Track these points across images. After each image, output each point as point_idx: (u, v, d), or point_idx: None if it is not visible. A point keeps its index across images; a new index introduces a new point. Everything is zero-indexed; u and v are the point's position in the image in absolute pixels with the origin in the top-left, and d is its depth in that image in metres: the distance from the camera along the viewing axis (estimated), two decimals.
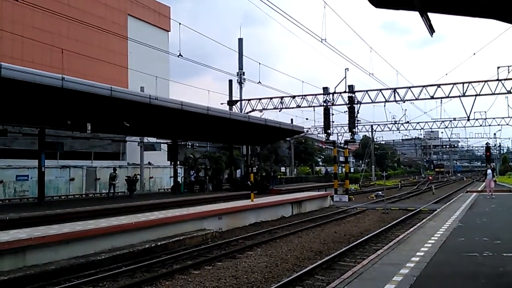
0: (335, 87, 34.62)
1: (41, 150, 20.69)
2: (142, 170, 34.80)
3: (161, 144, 36.30)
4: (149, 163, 38.05)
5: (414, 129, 56.06)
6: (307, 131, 51.19)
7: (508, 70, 30.87)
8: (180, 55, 25.05)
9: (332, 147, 40.99)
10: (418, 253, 9.81)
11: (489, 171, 27.80)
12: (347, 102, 34.34)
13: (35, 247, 10.88)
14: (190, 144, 42.72)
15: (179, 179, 32.09)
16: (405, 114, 49.34)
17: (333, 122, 36.58)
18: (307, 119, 46.38)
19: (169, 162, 35.38)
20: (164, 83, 42.35)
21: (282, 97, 36.47)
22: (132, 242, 13.31)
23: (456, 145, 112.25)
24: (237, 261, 12.24)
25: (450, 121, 50.96)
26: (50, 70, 21.30)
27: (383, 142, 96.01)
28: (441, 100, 34.85)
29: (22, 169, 27.90)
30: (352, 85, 34.15)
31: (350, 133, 36.99)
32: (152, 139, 35.78)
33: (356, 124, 36.26)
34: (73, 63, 34.74)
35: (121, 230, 13.35)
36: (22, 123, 21.06)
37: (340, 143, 53.95)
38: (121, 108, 19.73)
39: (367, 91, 34.71)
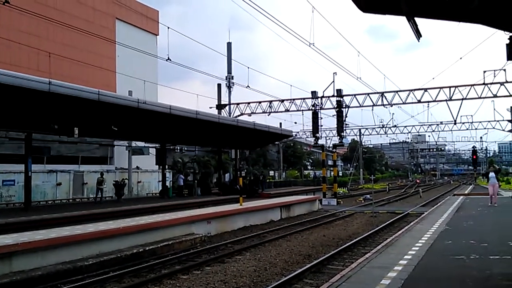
0: (323, 91, 34.82)
1: (28, 155, 20.50)
2: (130, 174, 34.62)
3: (149, 148, 36.16)
4: (137, 168, 37.86)
5: (401, 132, 56.64)
6: (296, 135, 51.32)
7: (494, 74, 31.25)
8: (168, 59, 25.00)
9: (321, 151, 41.12)
10: (406, 256, 9.86)
11: (491, 173, 23.82)
12: (335, 106, 34.47)
13: (22, 253, 10.75)
14: (178, 148, 42.61)
15: (167, 183, 31.95)
16: (392, 118, 49.88)
17: (321, 126, 36.77)
18: (295, 123, 46.60)
19: (157, 166, 35.25)
20: (152, 87, 42.21)
21: (270, 101, 36.54)
22: (120, 247, 13.20)
23: (443, 148, 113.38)
24: (225, 266, 12.20)
25: (437, 124, 51.52)
26: (37, 74, 21.11)
27: (371, 146, 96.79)
28: (428, 104, 35.30)
29: (8, 174, 27.59)
30: (340, 89, 34.33)
31: (338, 137, 37.18)
32: (140, 143, 35.61)
33: (344, 128, 36.45)
34: (61, 67, 34.50)
35: (108, 235, 13.24)
36: (9, 127, 20.87)
37: (329, 147, 54.19)
38: (109, 112, 19.64)
39: (355, 95, 34.92)
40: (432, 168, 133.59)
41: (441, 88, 33.00)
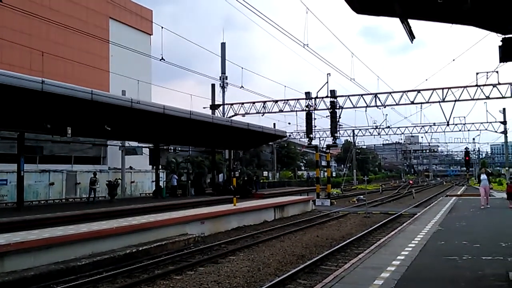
0: (317, 92, 34.87)
1: (20, 154, 20.38)
2: (123, 174, 34.49)
3: (143, 148, 36.05)
4: (131, 168, 37.73)
5: (394, 133, 56.96)
6: (290, 135, 51.38)
7: (487, 76, 31.42)
8: (162, 58, 24.94)
9: (314, 152, 41.18)
10: (399, 257, 9.91)
11: (483, 175, 22.91)
12: (329, 107, 34.54)
13: (14, 253, 10.69)
14: (172, 148, 42.53)
15: (161, 183, 31.86)
16: (386, 119, 50.11)
17: (315, 126, 36.81)
18: (289, 123, 46.74)
19: (150, 166, 35.14)
20: (146, 87, 42.05)
21: (264, 102, 36.55)
22: (113, 247, 13.16)
23: (435, 149, 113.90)
24: (219, 266, 12.19)
25: (430, 126, 51.78)
26: (30, 73, 21.01)
27: (365, 147, 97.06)
28: (421, 105, 35.40)
29: (0, 174, 27.41)
30: (334, 90, 34.40)
31: (332, 138, 37.26)
32: (134, 143, 35.49)
33: (338, 129, 36.53)
34: (54, 66, 34.33)
35: (102, 235, 13.20)
36: (1, 126, 20.72)
37: (323, 148, 54.29)
38: (102, 112, 19.56)
39: (348, 96, 35.00)
40: (426, 169, 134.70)
41: (434, 89, 33.15)
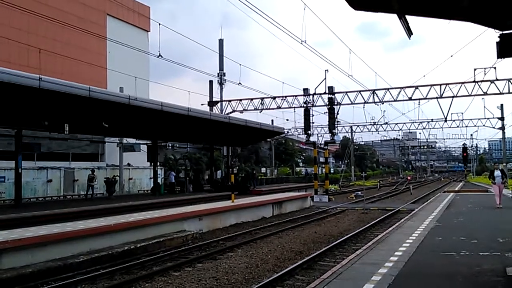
0: (315, 88, 34.90)
1: (18, 151, 20.38)
2: (121, 171, 34.46)
3: (141, 145, 36.01)
4: (129, 164, 37.70)
5: (392, 130, 56.92)
6: (288, 132, 51.39)
7: (485, 72, 31.48)
8: (159, 55, 24.89)
9: (313, 148, 41.21)
10: (396, 253, 9.92)
11: (497, 172, 20.59)
12: (327, 103, 34.55)
13: (12, 250, 10.68)
14: (170, 145, 42.53)
15: (159, 180, 31.86)
16: (383, 115, 50.25)
17: (313, 123, 36.81)
18: (287, 120, 46.68)
19: (148, 163, 35.12)
20: (143, 84, 42.01)
21: (262, 98, 36.57)
22: (111, 244, 13.16)
23: (433, 145, 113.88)
24: (217, 262, 12.21)
25: (428, 122, 51.87)
26: (27, 70, 21.00)
27: (363, 143, 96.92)
28: (419, 102, 35.47)
29: None
30: (332, 87, 34.41)
31: (330, 134, 37.29)
32: (132, 140, 35.45)
33: (336, 125, 36.55)
34: (51, 63, 34.22)
35: (99, 232, 13.19)
36: None
37: (320, 144, 54.35)
38: (100, 109, 19.53)
39: (346, 92, 35.03)
40: (430, 165, 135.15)
41: (432, 85, 33.19)
